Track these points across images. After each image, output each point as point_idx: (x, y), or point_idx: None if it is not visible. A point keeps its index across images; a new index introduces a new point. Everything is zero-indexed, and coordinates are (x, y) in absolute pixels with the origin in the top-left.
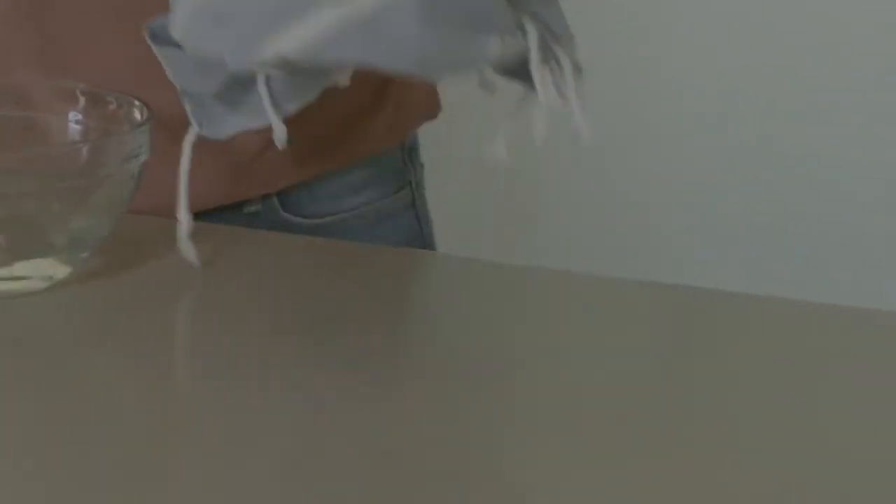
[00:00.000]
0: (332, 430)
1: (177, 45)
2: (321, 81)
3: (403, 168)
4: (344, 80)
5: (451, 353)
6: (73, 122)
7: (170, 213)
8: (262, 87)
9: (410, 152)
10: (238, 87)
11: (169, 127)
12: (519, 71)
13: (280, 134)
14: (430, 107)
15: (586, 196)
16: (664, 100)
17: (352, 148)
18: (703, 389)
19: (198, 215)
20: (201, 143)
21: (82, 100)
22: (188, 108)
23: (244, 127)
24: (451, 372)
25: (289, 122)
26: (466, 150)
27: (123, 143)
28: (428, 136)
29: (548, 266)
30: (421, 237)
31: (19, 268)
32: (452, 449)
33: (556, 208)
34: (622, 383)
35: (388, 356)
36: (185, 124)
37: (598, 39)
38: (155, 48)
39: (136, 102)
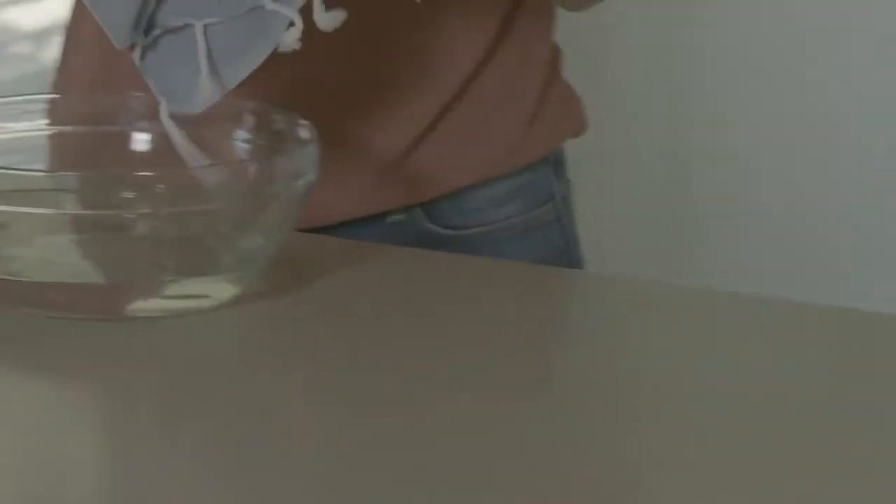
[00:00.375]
0: (488, 450)
1: None
2: (266, 44)
3: (549, 183)
4: (292, 44)
5: (595, 372)
6: (240, 140)
7: (318, 226)
8: (199, 35)
9: (556, 167)
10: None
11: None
12: None
13: (207, 92)
14: (576, 123)
15: (740, 213)
16: (832, 115)
17: (497, 161)
18: (870, 416)
19: (342, 224)
20: (345, 153)
21: (249, 118)
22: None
23: (195, 80)
24: (595, 392)
25: (434, 133)
26: (617, 168)
27: (291, 162)
28: (578, 151)
29: (701, 284)
30: (566, 253)
31: (187, 287)
32: (605, 475)
33: (711, 226)
34: (787, 410)
35: (530, 375)
36: (337, 142)
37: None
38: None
39: (302, 121)
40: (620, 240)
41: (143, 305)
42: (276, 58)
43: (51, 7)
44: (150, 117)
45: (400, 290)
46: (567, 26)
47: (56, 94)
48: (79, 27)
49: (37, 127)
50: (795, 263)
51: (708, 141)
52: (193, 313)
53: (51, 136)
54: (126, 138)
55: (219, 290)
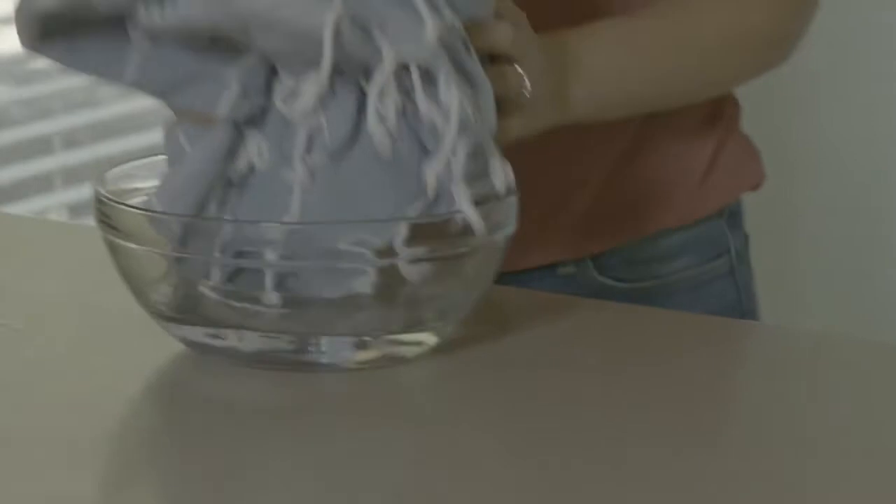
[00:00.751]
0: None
1: None
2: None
3: (722, 236)
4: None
5: (769, 425)
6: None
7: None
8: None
9: (731, 220)
10: None
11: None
12: None
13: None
14: (754, 177)
15: None
16: None
17: (670, 215)
18: None
19: (512, 274)
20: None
21: None
22: None
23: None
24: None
25: (607, 186)
26: (801, 221)
27: (493, 213)
28: (759, 204)
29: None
30: (739, 307)
31: (390, 339)
32: None
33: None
34: None
35: (699, 429)
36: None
37: None
38: None
39: (505, 172)
40: (801, 294)
41: (346, 357)
42: None
43: None
44: None
45: (584, 341)
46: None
47: None
48: None
49: None
50: None
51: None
52: (395, 362)
53: None
54: None
55: (420, 339)
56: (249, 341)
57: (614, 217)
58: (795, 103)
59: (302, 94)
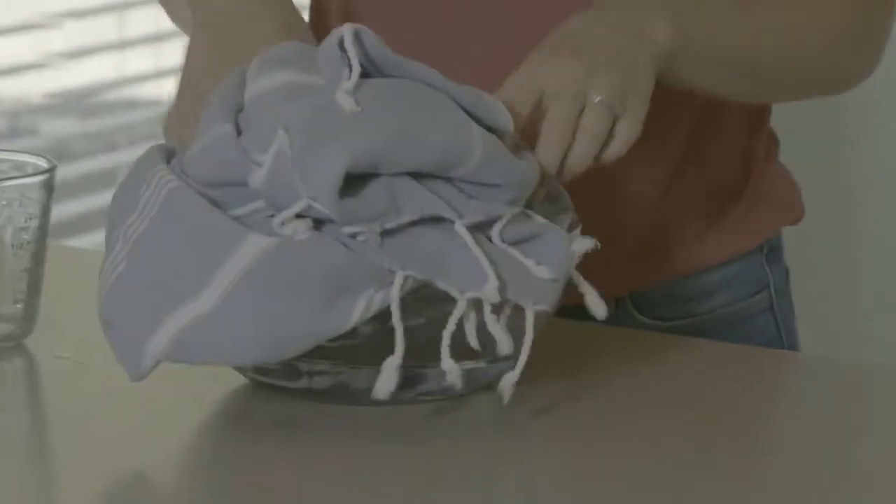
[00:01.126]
0: None
1: None
2: None
3: (762, 271)
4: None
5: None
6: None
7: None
8: None
9: (770, 255)
10: None
11: None
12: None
13: None
14: (792, 211)
15: None
16: None
17: (708, 252)
18: None
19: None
20: None
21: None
22: None
23: None
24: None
25: (645, 224)
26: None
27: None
28: (801, 237)
29: None
30: (779, 342)
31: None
32: None
33: None
34: None
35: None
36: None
37: None
38: None
39: (565, 209)
40: (845, 327)
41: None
42: None
43: None
44: None
45: (629, 371)
46: (784, 112)
47: None
48: None
49: None
50: None
51: None
52: (446, 398)
53: None
54: None
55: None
56: (319, 381)
57: (654, 255)
58: (837, 136)
59: None
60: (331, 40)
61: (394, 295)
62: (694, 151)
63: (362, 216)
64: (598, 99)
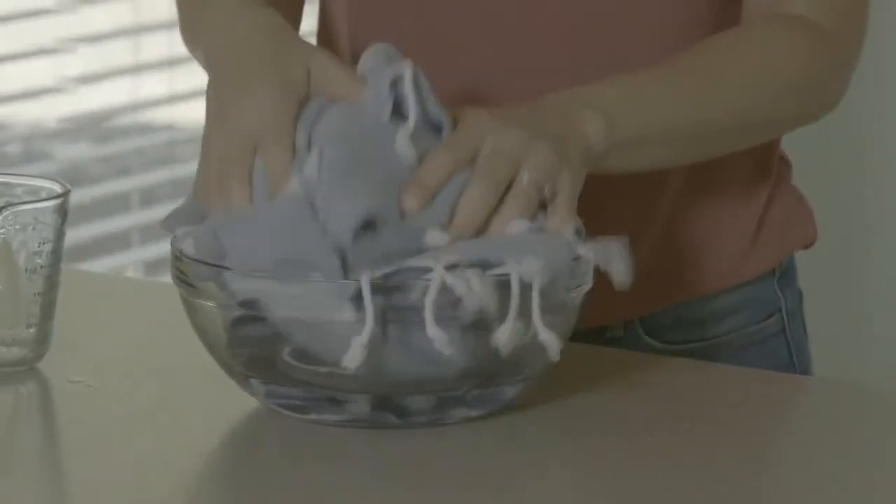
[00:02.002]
0: None
1: None
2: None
3: (774, 295)
4: None
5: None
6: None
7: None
8: None
9: (782, 279)
10: None
11: None
12: None
13: None
14: (805, 234)
15: None
16: None
17: (719, 276)
18: None
19: None
20: None
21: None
22: None
23: None
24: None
25: (655, 247)
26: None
27: (571, 272)
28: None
29: None
30: (791, 367)
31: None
32: None
33: None
34: None
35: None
36: None
37: None
38: None
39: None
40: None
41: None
42: None
43: None
44: None
45: (642, 395)
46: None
47: None
48: None
49: None
50: None
51: None
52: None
53: None
54: None
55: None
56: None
57: (664, 278)
58: (851, 159)
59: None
60: (380, 75)
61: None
62: (695, 184)
63: (374, 257)
64: (527, 178)
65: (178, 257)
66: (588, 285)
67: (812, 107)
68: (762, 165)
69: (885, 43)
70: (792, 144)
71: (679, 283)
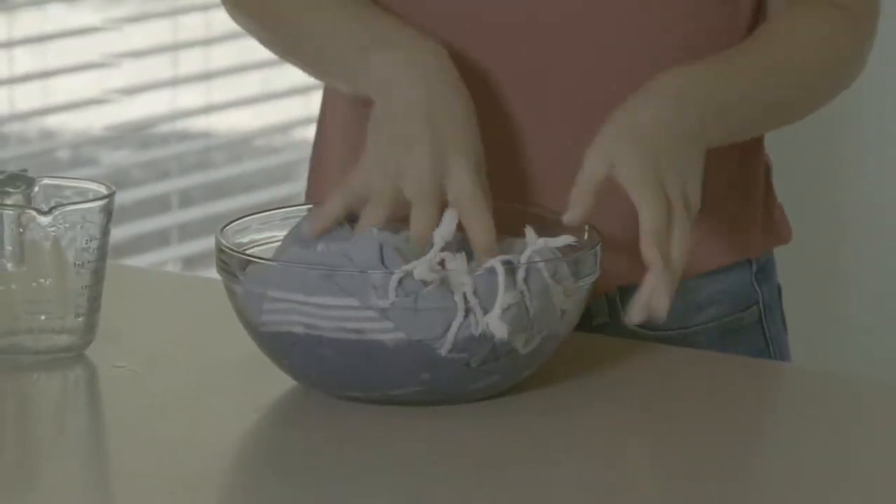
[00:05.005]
0: None
1: None
2: None
3: (751, 289)
4: None
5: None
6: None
7: None
8: None
9: (759, 274)
10: None
11: None
12: None
13: None
14: (781, 232)
15: None
16: None
17: (695, 262)
18: None
19: None
20: None
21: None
22: None
23: None
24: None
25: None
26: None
27: (579, 264)
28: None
29: None
30: (767, 354)
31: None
32: None
33: None
34: None
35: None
36: None
37: None
38: None
39: (586, 226)
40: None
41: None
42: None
43: None
44: None
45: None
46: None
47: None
48: (326, 123)
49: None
50: None
51: None
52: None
53: None
54: None
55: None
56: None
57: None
58: (827, 155)
59: None
60: None
61: None
62: None
63: None
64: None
65: (221, 249)
66: (595, 275)
67: (849, 80)
68: (744, 170)
69: None
70: (767, 142)
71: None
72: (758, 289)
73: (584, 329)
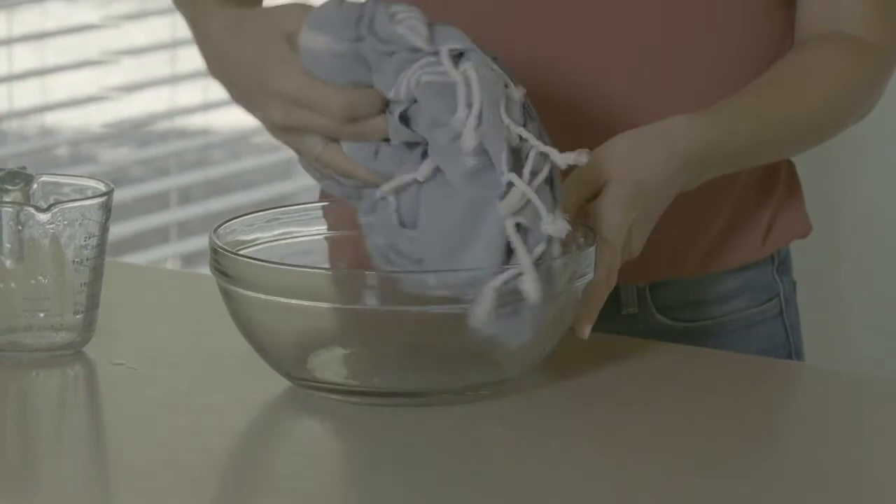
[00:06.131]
0: None
1: None
2: None
3: (773, 281)
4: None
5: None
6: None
7: None
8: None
9: (780, 267)
10: None
11: None
12: None
13: None
14: (801, 226)
15: None
16: None
17: (723, 258)
18: None
19: None
20: None
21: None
22: None
23: None
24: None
25: (669, 224)
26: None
27: (575, 263)
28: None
29: None
30: (787, 346)
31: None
32: None
33: None
34: None
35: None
36: None
37: None
38: None
39: (583, 226)
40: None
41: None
42: None
43: None
44: None
45: (644, 381)
46: None
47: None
48: None
49: (320, 231)
50: None
51: None
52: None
53: (328, 239)
54: None
55: (498, 380)
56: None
57: (669, 253)
58: (841, 153)
59: None
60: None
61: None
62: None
63: None
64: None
65: (215, 250)
66: (591, 276)
67: (864, 110)
68: (769, 168)
69: None
70: None
71: (684, 259)
72: (779, 281)
73: (613, 318)
